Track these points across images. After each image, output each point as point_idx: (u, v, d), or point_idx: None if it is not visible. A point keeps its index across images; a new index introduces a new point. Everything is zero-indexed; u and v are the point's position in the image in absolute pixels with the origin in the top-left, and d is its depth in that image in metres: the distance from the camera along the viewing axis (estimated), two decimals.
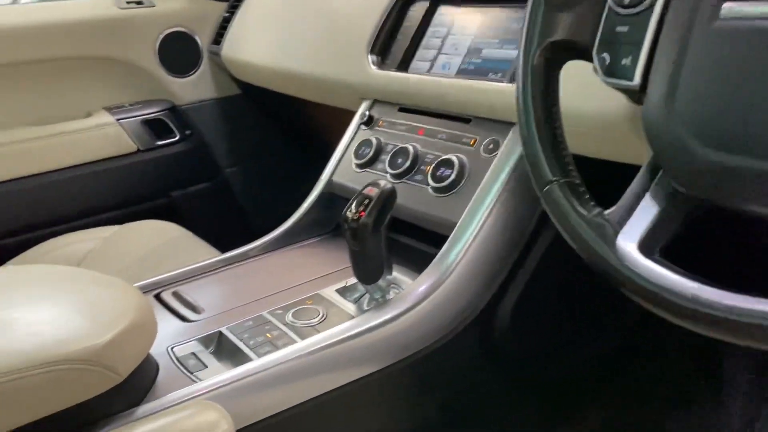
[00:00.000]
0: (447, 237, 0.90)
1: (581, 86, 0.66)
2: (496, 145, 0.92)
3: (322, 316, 0.88)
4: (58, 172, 1.56)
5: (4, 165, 1.49)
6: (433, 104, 1.05)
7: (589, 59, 0.59)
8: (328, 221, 1.14)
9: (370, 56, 1.15)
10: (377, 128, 1.12)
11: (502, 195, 0.89)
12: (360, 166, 1.09)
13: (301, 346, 0.80)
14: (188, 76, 1.77)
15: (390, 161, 1.03)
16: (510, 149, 0.91)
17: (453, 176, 0.93)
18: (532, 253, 0.92)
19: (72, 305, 0.71)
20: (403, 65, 1.12)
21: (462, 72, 1.03)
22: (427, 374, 0.89)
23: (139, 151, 1.66)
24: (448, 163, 0.95)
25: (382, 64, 1.15)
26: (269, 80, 1.51)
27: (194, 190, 1.77)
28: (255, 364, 0.77)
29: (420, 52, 1.11)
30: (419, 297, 0.86)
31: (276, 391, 0.76)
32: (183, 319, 0.91)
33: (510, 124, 0.92)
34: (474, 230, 0.88)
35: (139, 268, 1.23)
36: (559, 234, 0.60)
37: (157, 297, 0.98)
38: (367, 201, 0.83)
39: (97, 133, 1.61)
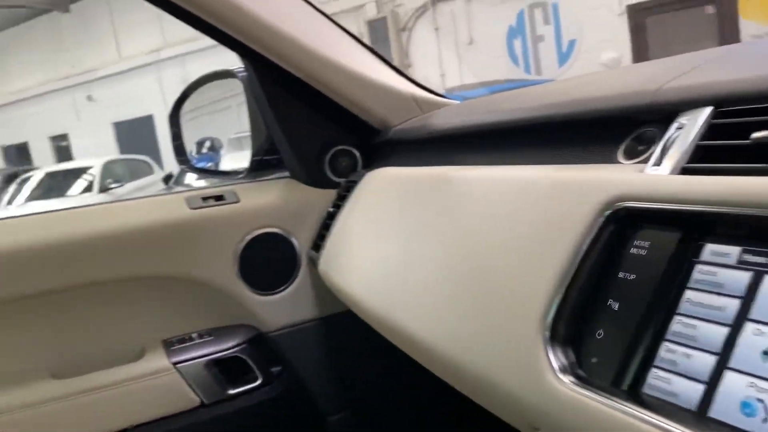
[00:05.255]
0: None
1: None
2: None
3: None
4: None
5: None
6: None
7: None
8: None
9: (551, 353, 0.53)
10: None
11: None
12: None
13: None
14: (279, 291, 1.26)
15: None
16: None
17: None
18: None
19: None
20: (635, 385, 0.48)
21: None
22: None
23: (203, 405, 1.15)
24: None
25: (574, 375, 0.52)
26: (377, 326, 0.93)
27: None
28: None
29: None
30: None
31: None
32: None
33: None
34: None
35: None
36: None
37: None
38: None
39: (144, 385, 1.12)
